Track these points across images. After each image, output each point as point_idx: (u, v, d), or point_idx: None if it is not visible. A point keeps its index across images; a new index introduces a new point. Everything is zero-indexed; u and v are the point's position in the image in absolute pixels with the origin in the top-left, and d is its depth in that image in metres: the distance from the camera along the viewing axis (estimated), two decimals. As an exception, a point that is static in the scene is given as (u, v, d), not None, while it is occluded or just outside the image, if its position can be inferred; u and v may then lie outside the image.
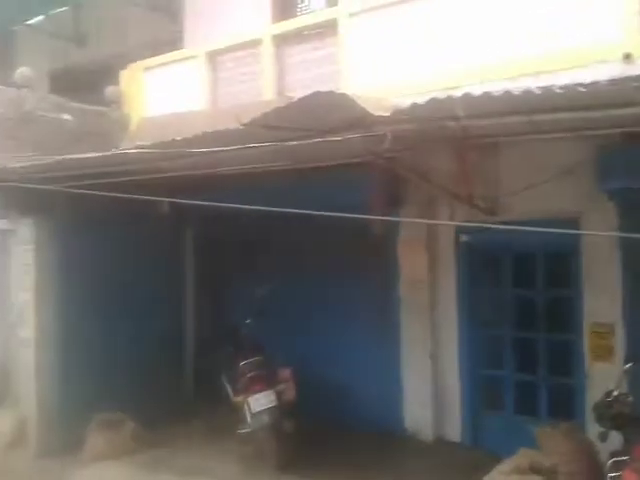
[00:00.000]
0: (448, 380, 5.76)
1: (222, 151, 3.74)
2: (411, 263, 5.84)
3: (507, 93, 3.07)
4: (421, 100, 3.14)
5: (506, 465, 4.32)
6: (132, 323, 6.32)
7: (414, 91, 4.58)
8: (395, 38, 5.58)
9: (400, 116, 3.28)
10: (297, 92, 6.17)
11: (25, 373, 5.99)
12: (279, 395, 5.45)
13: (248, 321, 6.08)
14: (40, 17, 9.63)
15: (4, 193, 6.23)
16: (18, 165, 5.32)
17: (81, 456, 5.73)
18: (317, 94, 3.13)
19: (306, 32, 6.44)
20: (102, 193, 4.08)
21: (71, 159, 4.69)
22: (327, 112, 3.38)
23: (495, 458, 4.55)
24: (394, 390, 5.91)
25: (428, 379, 5.76)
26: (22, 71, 7.05)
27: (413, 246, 5.80)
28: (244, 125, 3.52)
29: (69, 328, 5.97)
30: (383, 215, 4.60)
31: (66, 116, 6.99)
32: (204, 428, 6.29)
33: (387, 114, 3.18)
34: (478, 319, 5.67)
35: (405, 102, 3.26)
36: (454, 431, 5.74)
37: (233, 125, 3.56)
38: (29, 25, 9.80)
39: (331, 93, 3.18)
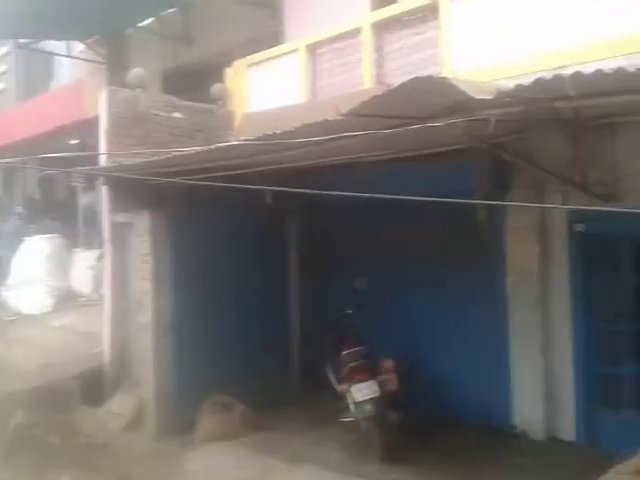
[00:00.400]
0: (561, 376, 5.49)
1: (321, 142, 3.76)
2: (520, 252, 5.60)
3: (621, 70, 2.84)
4: (526, 81, 2.98)
5: (625, 466, 4.03)
6: (241, 310, 6.56)
7: (518, 72, 4.38)
8: (497, 18, 5.36)
9: (504, 99, 3.14)
10: (397, 79, 6.10)
11: (143, 357, 6.37)
12: (382, 386, 5.44)
13: (349, 311, 6.12)
14: (150, 19, 10.13)
15: (122, 188, 6.68)
16: (134, 161, 5.67)
17: (194, 437, 6.02)
18: (416, 79, 3.07)
19: (406, 18, 6.33)
20: (211, 183, 4.24)
21: (182, 154, 4.92)
22: (427, 98, 3.31)
23: (612, 458, 4.27)
24: (501, 385, 5.72)
25: (539, 375, 5.52)
26: (135, 72, 7.47)
27: (522, 234, 5.55)
28: (343, 115, 3.51)
29: (183, 314, 6.28)
30: (486, 203, 4.43)
31: (177, 114, 7.34)
32: (308, 415, 6.41)
33: (490, 97, 3.05)
34: (594, 312, 5.34)
35: (509, 84, 3.11)
36: (567, 429, 5.48)
37: (332, 116, 3.58)
38: (140, 27, 10.33)
39: (430, 78, 3.10)
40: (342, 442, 5.68)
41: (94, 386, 6.46)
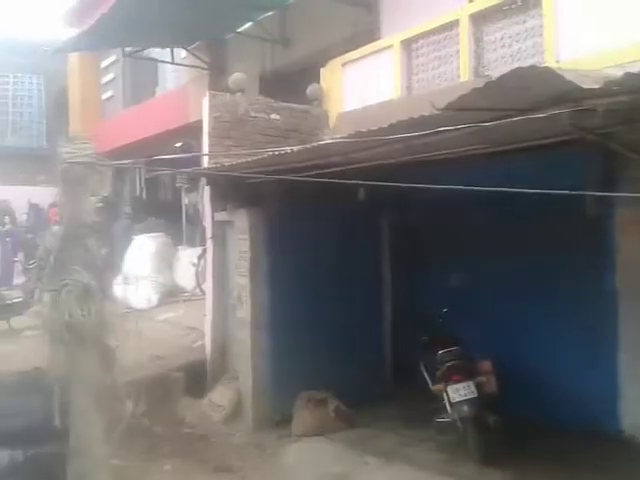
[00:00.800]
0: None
1: (417, 137, 3.71)
2: (632, 248, 5.24)
3: None
4: (635, 69, 2.79)
5: None
6: (335, 306, 6.59)
7: (624, 60, 4.10)
8: (603, 4, 5.05)
9: (612, 88, 2.95)
10: (496, 70, 5.91)
11: (242, 351, 6.58)
12: (479, 387, 5.30)
13: (445, 310, 6.01)
14: (249, 23, 10.43)
15: (223, 188, 6.94)
16: (234, 162, 5.86)
17: (290, 431, 6.13)
18: (519, 70, 2.95)
19: (506, 7, 6.12)
20: (309, 179, 4.31)
21: (279, 154, 5.03)
22: (529, 89, 3.17)
23: None
24: (607, 388, 5.42)
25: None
26: (235, 77, 7.73)
27: (635, 228, 5.20)
28: (440, 110, 3.45)
29: (280, 310, 6.42)
30: (595, 196, 4.18)
31: (274, 115, 7.52)
32: (401, 413, 6.37)
33: (597, 86, 2.88)
34: None
35: (616, 72, 2.92)
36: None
37: (429, 111, 3.52)
38: (240, 32, 10.65)
39: (533, 68, 2.96)
40: (437, 442, 5.59)
41: (197, 378, 6.75)
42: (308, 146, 4.62)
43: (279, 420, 6.23)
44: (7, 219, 15.35)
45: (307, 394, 6.17)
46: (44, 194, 16.07)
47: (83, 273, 2.49)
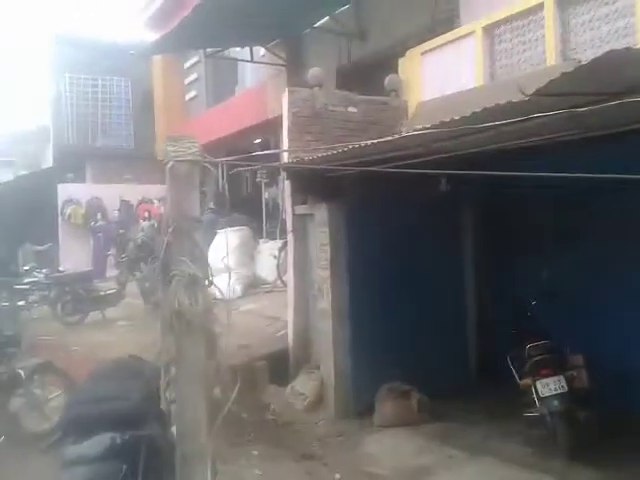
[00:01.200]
0: None
1: (505, 125, 3.62)
2: None
3: None
4: None
5: None
6: (416, 298, 6.56)
7: None
8: None
9: None
10: (584, 54, 5.67)
11: (323, 341, 6.67)
12: (570, 382, 5.13)
13: (533, 302, 5.85)
14: (326, 18, 10.49)
15: (303, 182, 7.04)
16: (314, 156, 5.93)
17: (371, 421, 6.17)
18: (612, 53, 2.82)
19: (594, -13, 5.85)
20: (387, 169, 4.31)
21: (358, 147, 5.05)
22: (624, 71, 3.03)
23: None
24: None
25: None
26: (313, 72, 7.80)
27: None
28: (528, 96, 3.36)
29: (360, 301, 6.46)
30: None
31: (352, 109, 7.54)
32: (486, 406, 6.25)
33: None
34: None
35: None
36: None
37: (515, 97, 3.43)
38: (316, 27, 10.74)
39: (629, 50, 2.84)
40: (525, 437, 5.47)
41: (280, 367, 6.91)
42: (391, 138, 4.60)
43: (361, 410, 6.28)
44: (99, 215, 16.27)
45: (389, 386, 6.19)
46: (133, 191, 16.91)
47: (190, 264, 2.63)
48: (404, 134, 4.72)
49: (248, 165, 4.62)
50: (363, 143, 4.88)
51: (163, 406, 2.92)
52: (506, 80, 6.36)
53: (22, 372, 5.57)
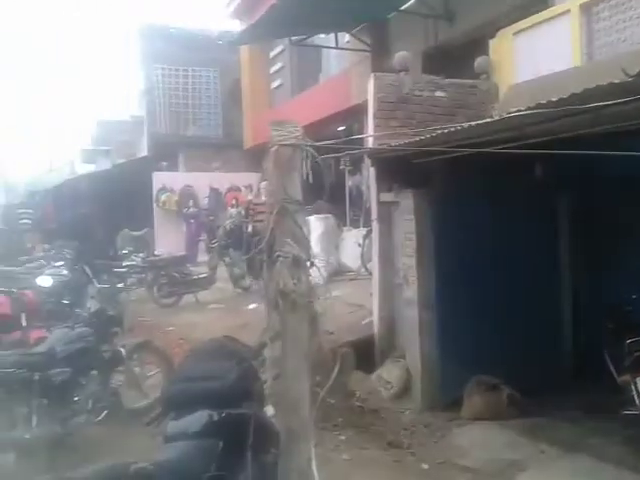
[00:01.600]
0: None
1: (606, 107, 3.43)
2: None
3: None
4: None
5: None
6: (507, 289, 6.36)
7: None
8: None
9: None
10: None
11: (409, 330, 6.62)
12: (675, 379, 4.84)
13: (634, 296, 5.55)
14: (411, 1, 10.28)
15: (388, 169, 6.99)
16: (400, 142, 5.88)
17: (459, 414, 6.08)
18: None
19: None
20: (478, 149, 4.18)
21: (447, 132, 4.95)
22: None
23: None
24: None
25: None
26: (400, 56, 7.70)
27: None
28: (632, 76, 3.16)
29: (447, 291, 6.36)
30: None
31: (439, 93, 7.38)
32: (580, 403, 6.00)
33: None
34: None
35: None
36: None
37: (616, 78, 3.25)
38: (402, 11, 10.54)
39: None
40: (623, 436, 5.20)
41: (365, 354, 6.93)
42: (487, 120, 4.48)
43: (448, 402, 6.20)
44: (191, 202, 16.93)
45: (478, 378, 6.07)
46: (221, 179, 17.45)
47: (294, 245, 2.73)
48: (497, 117, 4.58)
49: (339, 151, 4.64)
50: (455, 127, 4.78)
51: (268, 385, 3.04)
52: (605, 60, 6.00)
53: (123, 350, 5.90)
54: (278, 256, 2.77)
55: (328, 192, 13.21)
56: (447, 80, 7.48)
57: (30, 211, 16.98)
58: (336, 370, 3.03)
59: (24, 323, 6.87)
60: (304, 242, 2.83)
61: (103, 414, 5.48)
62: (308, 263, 2.86)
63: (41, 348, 5.29)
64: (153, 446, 4.24)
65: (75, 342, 5.35)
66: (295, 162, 2.83)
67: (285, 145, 2.72)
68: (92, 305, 5.88)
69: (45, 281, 8.03)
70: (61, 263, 9.34)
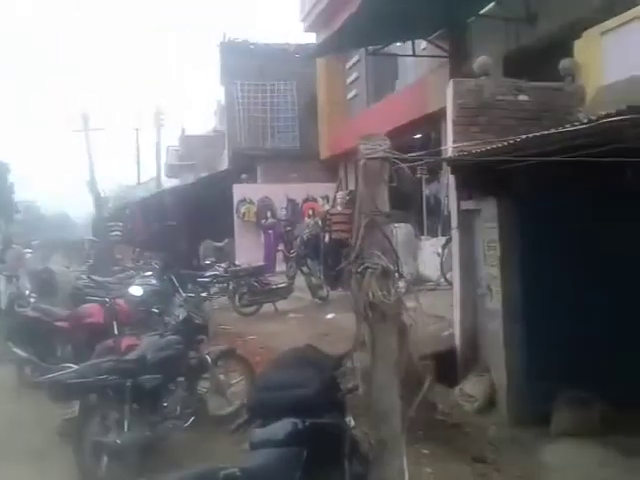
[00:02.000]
0: None
1: None
2: None
3: None
4: None
5: None
6: (600, 298, 6.03)
7: None
8: None
9: None
10: None
11: (493, 343, 6.43)
12: None
13: None
14: (491, 4, 10.08)
15: (469, 176, 6.84)
16: (482, 149, 5.73)
17: (547, 429, 5.81)
18: None
19: None
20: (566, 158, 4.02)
21: (532, 137, 4.79)
22: None
23: None
24: None
25: None
26: (480, 60, 7.54)
27: None
28: None
29: (534, 301, 6.10)
30: None
31: (522, 97, 7.16)
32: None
33: None
34: None
35: None
36: None
37: None
38: (480, 15, 10.36)
39: None
40: None
41: (446, 367, 6.77)
42: (571, 127, 4.30)
43: (535, 417, 5.95)
44: (269, 213, 17.30)
45: (569, 392, 5.79)
46: (298, 190, 17.72)
47: (382, 257, 2.75)
48: (585, 120, 4.38)
49: (426, 162, 4.61)
50: (549, 132, 4.61)
51: (361, 392, 3.06)
52: None
53: (208, 358, 6.07)
54: (367, 267, 2.78)
55: (406, 201, 13.17)
56: (530, 83, 7.25)
57: (120, 224, 17.89)
58: (427, 383, 2.99)
59: (116, 331, 7.23)
60: (392, 254, 2.83)
61: (190, 420, 5.64)
62: (397, 275, 2.85)
63: (133, 355, 5.53)
64: (238, 452, 4.35)
65: (164, 349, 5.56)
66: (383, 174, 2.84)
67: (374, 158, 2.74)
68: (180, 313, 6.09)
69: (137, 290, 8.41)
70: (149, 273, 9.78)
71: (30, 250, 17.12)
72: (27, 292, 9.67)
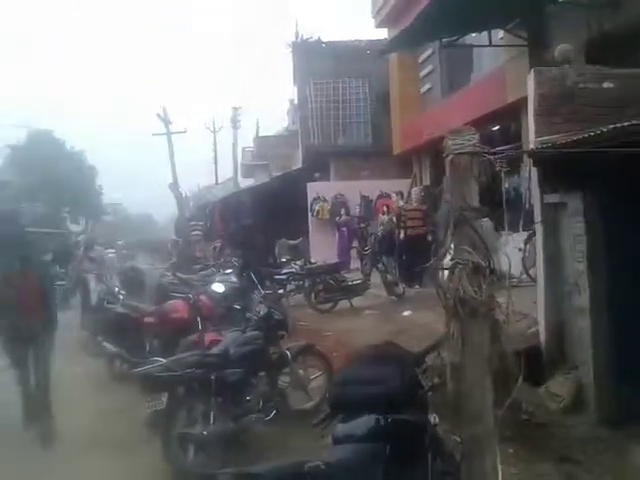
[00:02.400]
0: None
1: None
2: None
3: None
4: None
5: None
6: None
7: None
8: None
9: None
10: None
11: (581, 340, 6.18)
12: None
13: None
14: (572, -10, 9.67)
15: (553, 168, 6.60)
16: (567, 139, 5.53)
17: (639, 431, 5.56)
18: None
19: None
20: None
21: (619, 127, 4.58)
22: None
23: None
24: None
25: None
26: (561, 48, 7.26)
27: None
28: None
29: (627, 298, 5.81)
30: None
31: (607, 84, 6.83)
32: None
33: None
34: None
35: None
36: None
37: None
38: (560, 1, 9.95)
39: None
40: None
41: (531, 365, 6.52)
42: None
43: (627, 417, 5.67)
44: (343, 211, 17.36)
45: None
46: (371, 187, 17.68)
47: (473, 253, 2.73)
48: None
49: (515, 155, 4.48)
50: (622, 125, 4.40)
51: (450, 389, 3.04)
52: None
53: (288, 353, 6.18)
54: (457, 263, 2.76)
55: (486, 195, 12.87)
56: (615, 70, 6.90)
57: (200, 223, 18.49)
58: (520, 381, 2.93)
59: (200, 326, 7.48)
60: (483, 249, 2.79)
61: (272, 413, 5.77)
62: (488, 271, 2.81)
63: (217, 350, 5.72)
64: (319, 446, 4.40)
65: (247, 344, 5.72)
66: (472, 170, 2.80)
67: (462, 153, 2.70)
68: (261, 309, 6.23)
69: (219, 287, 8.69)
70: (229, 271, 10.06)
71: (113, 250, 18.00)
72: (116, 289, 10.17)
